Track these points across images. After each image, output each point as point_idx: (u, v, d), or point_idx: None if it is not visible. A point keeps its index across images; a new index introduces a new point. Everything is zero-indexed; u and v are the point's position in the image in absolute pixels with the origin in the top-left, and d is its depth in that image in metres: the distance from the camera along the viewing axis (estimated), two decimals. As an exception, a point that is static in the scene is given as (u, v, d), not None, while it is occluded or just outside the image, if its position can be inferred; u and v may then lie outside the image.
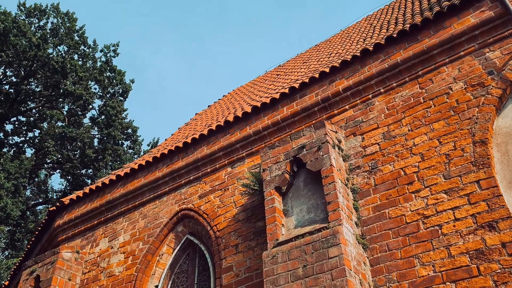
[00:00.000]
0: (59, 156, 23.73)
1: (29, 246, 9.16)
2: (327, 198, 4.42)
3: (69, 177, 26.36)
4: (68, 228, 7.81)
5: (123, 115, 26.48)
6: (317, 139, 4.90)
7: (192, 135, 7.27)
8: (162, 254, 6.41)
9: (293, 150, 5.03)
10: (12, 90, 23.67)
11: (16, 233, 22.94)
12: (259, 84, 12.25)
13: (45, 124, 24.93)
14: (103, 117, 25.65)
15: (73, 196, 8.02)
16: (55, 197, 26.26)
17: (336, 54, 8.57)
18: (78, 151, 25.05)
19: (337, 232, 4.07)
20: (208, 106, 13.47)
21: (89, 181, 26.18)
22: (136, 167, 7.35)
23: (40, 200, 26.22)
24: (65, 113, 25.61)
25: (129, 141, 27.64)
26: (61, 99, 25.20)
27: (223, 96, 14.29)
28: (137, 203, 7.14)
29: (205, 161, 6.63)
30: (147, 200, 7.05)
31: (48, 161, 25.77)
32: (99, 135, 25.72)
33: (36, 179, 26.22)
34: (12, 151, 23.92)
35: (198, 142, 6.84)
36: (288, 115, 6.03)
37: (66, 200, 7.99)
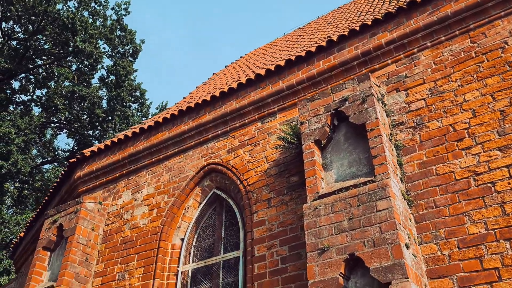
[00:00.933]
0: (68, 114, 23.52)
1: (46, 198, 9.11)
2: (373, 151, 4.25)
3: (77, 137, 26.28)
4: (89, 180, 7.72)
5: (133, 76, 26.12)
6: (361, 92, 4.68)
7: (220, 89, 7.05)
8: (188, 208, 6.32)
9: (334, 103, 4.83)
10: (20, 46, 23.26)
11: (23, 190, 23.06)
12: (279, 46, 11.91)
13: (52, 83, 24.61)
14: (112, 77, 25.34)
15: (94, 148, 7.88)
16: (63, 157, 26.30)
17: (367, 12, 8.22)
18: (87, 110, 24.82)
19: (386, 185, 3.92)
20: (226, 66, 13.16)
21: (96, 142, 26.15)
22: (160, 120, 7.17)
23: (48, 159, 26.25)
24: (73, 71, 25.26)
25: (137, 104, 27.40)
26: (70, 57, 24.78)
27: (240, 57, 13.96)
28: (161, 156, 7.00)
29: (233, 115, 6.44)
30: (171, 154, 6.91)
31: (55, 120, 25.62)
32: (107, 96, 25.42)
33: (42, 139, 26.12)
34: (19, 110, 23.72)
35: (227, 96, 6.63)
36: (325, 69, 5.79)
37: (87, 151, 7.86)
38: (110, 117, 25.62)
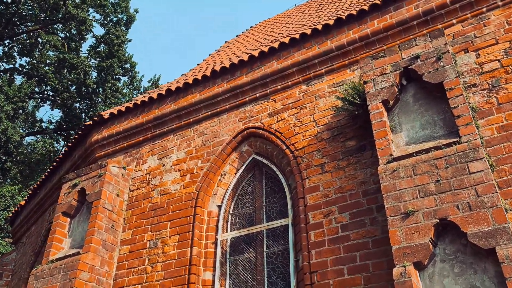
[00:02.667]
0: (57, 83, 22.54)
1: (54, 164, 8.59)
2: (455, 111, 3.94)
3: (65, 109, 25.30)
4: (108, 144, 7.23)
5: (125, 47, 25.20)
6: (436, 49, 4.34)
7: (256, 49, 6.62)
8: (225, 174, 5.95)
9: (403, 61, 4.49)
10: (5, 10, 22.04)
11: (6, 162, 22.17)
12: (295, 15, 11.45)
13: (36, 52, 23.45)
14: (102, 46, 24.38)
15: (114, 110, 7.38)
16: (50, 128, 25.39)
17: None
18: (76, 80, 23.83)
19: (478, 146, 3.63)
20: (237, 35, 12.64)
21: (83, 115, 25.30)
22: (190, 81, 6.71)
23: (33, 130, 25.28)
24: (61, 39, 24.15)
25: (126, 77, 26.53)
26: (58, 25, 23.66)
27: (250, 27, 13.43)
28: (191, 120, 6.57)
29: (274, 77, 6.03)
30: (203, 118, 6.48)
31: (38, 90, 24.53)
32: (98, 67, 24.45)
33: (25, 110, 25.04)
34: (6, 77, 22.59)
35: (267, 56, 6.21)
36: (380, 29, 5.42)
37: (105, 114, 7.35)
38: (101, 89, 24.76)
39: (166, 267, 5.44)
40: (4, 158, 21.66)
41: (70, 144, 8.05)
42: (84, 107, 25.70)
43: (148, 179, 6.44)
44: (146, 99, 7.03)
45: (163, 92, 6.91)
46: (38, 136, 26.38)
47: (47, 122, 25.97)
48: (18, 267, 9.12)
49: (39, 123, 25.43)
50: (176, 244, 5.55)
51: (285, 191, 5.49)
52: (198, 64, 10.32)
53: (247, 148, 5.98)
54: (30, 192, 9.61)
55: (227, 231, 5.63)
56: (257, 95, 6.13)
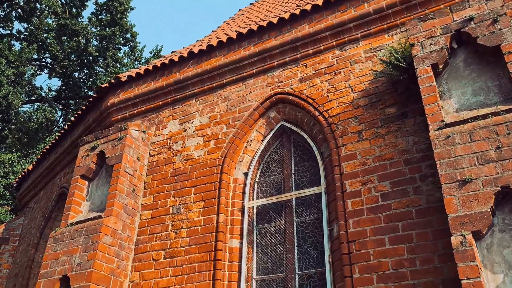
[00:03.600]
0: (57, 50, 21.95)
1: (66, 128, 8.33)
2: (514, 76, 3.73)
3: (63, 78, 24.76)
4: (125, 108, 6.98)
5: (128, 15, 24.56)
6: (491, 11, 4.09)
7: (286, 12, 6.31)
8: (251, 141, 5.73)
9: (455, 23, 4.24)
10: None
11: (3, 129, 21.78)
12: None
13: (35, 19, 22.72)
14: (104, 14, 23.73)
15: (131, 72, 7.09)
16: (49, 96, 24.95)
17: None
18: (76, 48, 23.23)
19: (542, 113, 3.43)
20: (251, 3, 12.22)
21: (82, 85, 24.82)
22: (214, 43, 6.42)
23: (34, 98, 24.82)
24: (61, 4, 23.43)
25: (127, 47, 25.96)
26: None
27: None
28: (214, 84, 6.31)
29: (305, 41, 5.76)
30: (227, 82, 6.23)
31: (36, 57, 23.90)
32: (99, 35, 23.82)
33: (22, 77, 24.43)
34: (6, 41, 21.93)
35: (298, 19, 5.92)
36: (423, -8, 5.15)
37: (122, 76, 7.07)
38: (101, 59, 24.23)
39: (191, 234, 5.28)
40: (2, 125, 21.29)
41: (84, 108, 7.78)
42: (84, 77, 25.18)
43: (169, 144, 6.22)
44: (166, 61, 6.75)
45: (185, 55, 6.62)
46: (37, 104, 25.96)
47: (47, 89, 25.50)
48: (26, 232, 8.96)
49: (38, 90, 24.94)
50: (201, 210, 5.38)
51: (316, 159, 5.30)
52: (213, 31, 9.97)
53: (275, 114, 5.75)
54: (39, 157, 9.37)
55: (253, 199, 5.46)
56: (287, 59, 5.87)
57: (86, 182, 6.11)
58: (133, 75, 6.98)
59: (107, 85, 7.19)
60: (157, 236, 5.51)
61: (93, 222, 5.33)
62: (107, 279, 5.06)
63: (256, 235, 5.23)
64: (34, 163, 9.53)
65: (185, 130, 6.20)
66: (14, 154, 21.28)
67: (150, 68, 6.86)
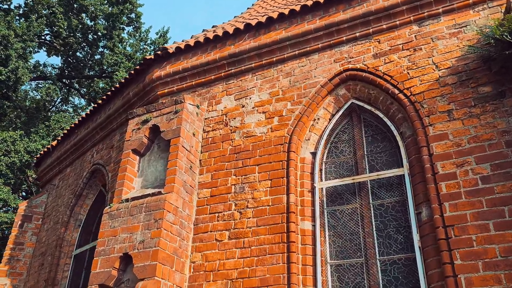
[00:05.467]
0: (65, 26, 21.25)
1: (99, 102, 7.94)
2: None
3: (65, 57, 24.11)
4: (172, 82, 6.61)
5: (136, -7, 23.90)
6: None
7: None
8: (318, 119, 5.43)
9: None
10: None
11: (4, 106, 21.15)
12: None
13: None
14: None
15: (180, 44, 6.71)
16: (52, 73, 24.31)
17: None
18: (82, 26, 22.58)
19: None
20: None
21: (82, 65, 24.20)
22: (274, 16, 6.07)
23: (35, 76, 24.13)
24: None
25: (131, 27, 25.32)
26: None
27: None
28: (274, 59, 5.97)
29: (379, 15, 5.44)
30: (289, 57, 5.89)
31: (37, 34, 23.12)
32: (104, 13, 23.12)
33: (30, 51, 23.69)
34: (14, 13, 21.12)
35: (370, -9, 5.59)
36: (515, -34, 4.84)
37: (170, 48, 6.69)
38: (108, 37, 23.60)
39: (258, 214, 4.99)
40: (6, 102, 20.67)
41: (123, 81, 7.39)
42: (88, 56, 24.52)
43: (226, 120, 5.89)
44: (220, 33, 6.38)
45: (241, 27, 6.26)
46: (41, 82, 25.32)
47: (50, 67, 24.85)
48: (52, 210, 8.59)
49: (41, 67, 24.26)
50: (268, 190, 5.08)
51: (392, 139, 5.03)
52: (249, 8, 9.59)
53: (344, 92, 5.45)
54: (65, 132, 8.96)
55: (321, 180, 5.17)
56: (357, 34, 5.55)
57: (137, 157, 5.76)
58: (182, 46, 6.60)
59: (152, 57, 6.81)
60: (219, 216, 5.20)
61: (154, 199, 5.01)
62: (170, 258, 4.76)
63: (327, 217, 4.95)
64: (59, 138, 9.12)
65: (243, 106, 5.87)
66: (16, 132, 20.74)
67: (201, 40, 6.49)
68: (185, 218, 5.18)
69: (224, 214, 5.19)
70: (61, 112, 25.40)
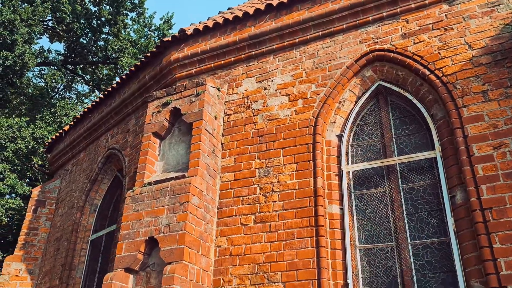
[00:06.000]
0: (71, 10, 20.97)
1: (114, 86, 7.82)
2: None
3: (69, 43, 23.83)
4: (191, 64, 6.48)
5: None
6: None
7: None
8: (344, 101, 5.31)
9: None
10: None
11: (6, 91, 20.98)
12: None
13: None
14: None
15: (198, 25, 6.56)
16: (57, 59, 24.08)
17: None
18: (86, 12, 22.30)
19: None
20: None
21: (85, 51, 23.95)
22: (297, -4, 5.91)
23: (39, 61, 23.92)
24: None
25: (134, 13, 25.01)
26: None
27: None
28: (296, 40, 5.83)
29: (407, -6, 5.29)
30: (312, 38, 5.75)
31: (41, 18, 22.82)
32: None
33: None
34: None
35: (397, -31, 5.42)
36: None
37: (188, 30, 6.54)
38: (112, 22, 23.33)
39: (284, 198, 4.90)
40: (10, 89, 20.51)
41: (139, 64, 7.26)
42: (90, 43, 24.25)
43: (247, 103, 5.77)
44: (239, 14, 6.22)
45: (262, 7, 6.10)
46: (44, 68, 25.14)
47: (54, 53, 24.61)
48: (66, 195, 8.53)
49: (46, 52, 24.03)
50: (294, 173, 4.98)
51: (421, 122, 4.92)
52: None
53: (371, 73, 5.32)
54: (78, 117, 8.85)
55: (348, 163, 5.07)
56: (383, 14, 5.39)
57: (158, 141, 5.66)
58: (200, 28, 6.46)
59: (169, 39, 6.66)
60: (244, 200, 5.12)
61: (178, 182, 4.92)
62: (197, 242, 4.68)
63: (355, 201, 4.86)
64: (72, 123, 9.01)
65: (265, 89, 5.75)
66: (22, 118, 20.66)
67: (220, 21, 6.34)
68: (209, 201, 5.09)
69: (248, 198, 5.10)
70: (66, 99, 25.25)
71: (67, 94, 26.99)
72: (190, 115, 5.45)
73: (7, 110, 22.92)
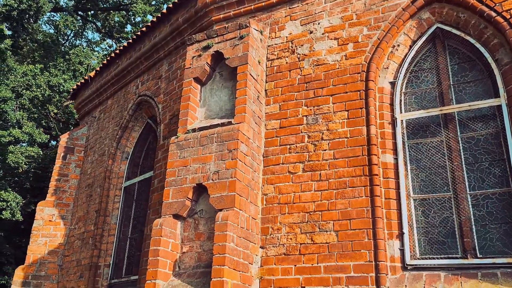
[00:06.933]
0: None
1: (143, 30, 7.51)
2: None
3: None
4: (229, 6, 6.11)
5: None
6: None
7: None
8: (398, 45, 5.01)
9: None
10: None
11: (19, 38, 20.53)
12: None
13: None
14: None
15: (237, -36, 6.14)
16: (68, 5, 23.43)
17: None
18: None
19: None
20: None
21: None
22: None
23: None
24: None
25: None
26: None
27: None
28: (345, -21, 5.45)
29: None
30: (363, -23, 5.36)
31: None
32: None
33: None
34: None
35: None
36: None
37: (226, -32, 6.13)
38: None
39: (335, 146, 4.74)
40: (22, 35, 20.08)
41: (170, 6, 6.91)
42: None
43: (292, 47, 5.49)
44: (282, -49, 5.80)
45: None
46: (54, 14, 24.57)
47: (66, -1, 23.91)
48: (96, 142, 8.45)
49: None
50: (346, 121, 4.79)
51: (482, 68, 4.64)
52: None
53: (428, 16, 4.98)
54: (104, 62, 8.61)
55: (401, 112, 4.85)
56: (445, -49, 4.97)
57: (199, 87, 5.45)
58: (239, -34, 6.05)
59: (205, -22, 6.27)
60: (291, 148, 4.97)
61: (225, 129, 4.76)
62: (246, 190, 4.59)
63: (409, 151, 4.69)
64: (98, 68, 8.78)
65: (311, 32, 5.44)
66: (36, 65, 20.40)
67: (261, -42, 5.92)
68: (255, 149, 4.96)
69: (296, 146, 4.95)
70: (78, 46, 24.79)
71: (77, 42, 26.49)
72: (234, 59, 5.20)
73: (17, 57, 22.60)
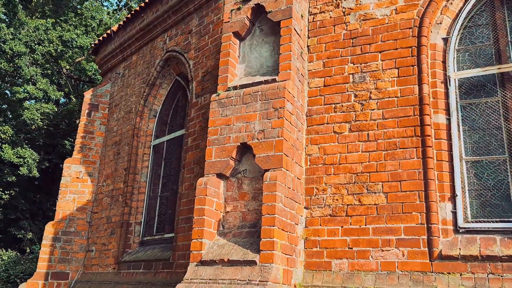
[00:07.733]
0: None
1: (170, -18, 7.15)
2: None
3: None
4: (266, -45, 5.76)
5: None
6: None
7: None
8: (453, -1, 4.71)
9: None
10: None
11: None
12: None
13: None
14: None
15: None
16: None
17: None
18: None
19: None
20: None
21: None
22: None
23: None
24: None
25: None
26: None
27: None
28: None
29: None
30: None
31: None
32: None
33: None
34: None
35: None
36: None
37: None
38: None
39: (383, 106, 4.56)
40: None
41: (201, -45, 6.55)
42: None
43: (336, 1, 5.19)
44: None
45: None
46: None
47: None
48: (121, 99, 8.31)
49: None
50: (396, 80, 4.59)
51: (545, 24, 4.36)
52: None
53: (488, -34, 4.64)
54: (129, 16, 8.31)
55: (455, 70, 4.62)
56: None
57: (238, 42, 5.22)
58: None
59: None
60: (337, 107, 4.80)
61: (270, 86, 4.58)
62: (291, 150, 4.47)
63: (461, 111, 4.51)
64: (122, 23, 8.49)
65: (357, -16, 5.13)
66: (48, 20, 19.96)
67: None
68: (299, 108, 4.79)
69: (342, 106, 4.77)
70: (90, 1, 24.15)
71: (87, -4, 25.83)
72: (277, 13, 4.94)
73: (27, 11, 22.13)
